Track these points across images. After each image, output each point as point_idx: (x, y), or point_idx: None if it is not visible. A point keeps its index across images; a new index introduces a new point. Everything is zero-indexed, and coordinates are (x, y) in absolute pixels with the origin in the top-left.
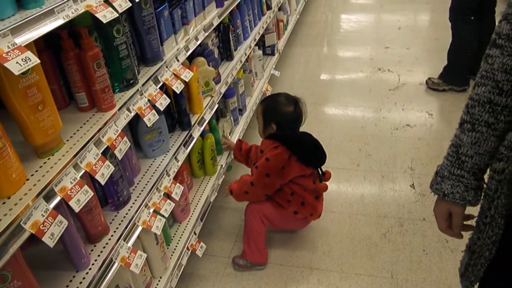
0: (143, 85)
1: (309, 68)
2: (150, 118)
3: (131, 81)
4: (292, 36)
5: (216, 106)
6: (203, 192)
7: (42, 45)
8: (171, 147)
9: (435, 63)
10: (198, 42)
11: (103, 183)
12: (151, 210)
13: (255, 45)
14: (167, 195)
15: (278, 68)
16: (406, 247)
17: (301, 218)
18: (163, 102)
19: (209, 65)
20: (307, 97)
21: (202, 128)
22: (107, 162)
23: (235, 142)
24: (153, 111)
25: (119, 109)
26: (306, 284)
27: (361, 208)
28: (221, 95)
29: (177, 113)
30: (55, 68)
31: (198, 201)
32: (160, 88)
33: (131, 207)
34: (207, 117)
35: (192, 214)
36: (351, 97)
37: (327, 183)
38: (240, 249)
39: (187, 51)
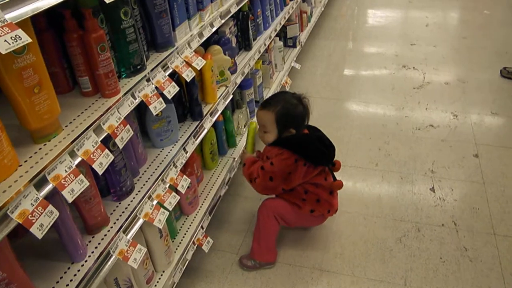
0: (151, 71)
1: (332, 62)
2: (156, 106)
3: (139, 67)
4: (315, 29)
5: (231, 96)
6: (213, 185)
7: (44, 24)
8: (180, 137)
9: (462, 62)
10: (214, 29)
11: (100, 172)
12: (155, 202)
13: (276, 35)
14: (173, 188)
15: (299, 61)
16: (422, 254)
17: (318, 216)
18: (171, 90)
19: (225, 54)
20: (328, 91)
21: (214, 119)
22: (106, 151)
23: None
24: (160, 99)
25: (123, 95)
26: (315, 286)
27: (377, 210)
28: (237, 86)
29: (189, 102)
30: (58, 49)
31: (208, 194)
32: (171, 75)
33: (134, 198)
34: (220, 108)
35: (201, 207)
36: (373, 93)
37: (342, 180)
38: (249, 246)
39: (201, 38)
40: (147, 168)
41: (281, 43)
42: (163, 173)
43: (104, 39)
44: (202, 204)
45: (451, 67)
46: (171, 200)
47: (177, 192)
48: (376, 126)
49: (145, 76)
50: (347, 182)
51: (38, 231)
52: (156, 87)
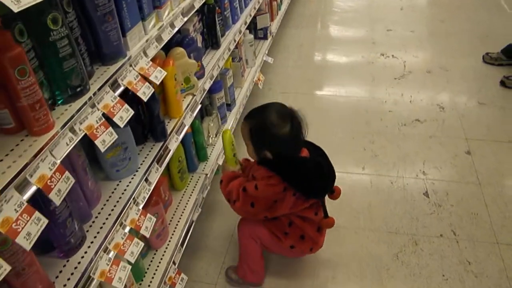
0: (97, 92)
1: (305, 52)
2: (105, 140)
3: (79, 89)
4: (285, 17)
5: (199, 106)
6: (184, 209)
7: None
8: (141, 164)
9: (442, 48)
10: (175, 30)
11: (28, 248)
12: (112, 255)
13: (246, 28)
14: (135, 232)
15: (271, 54)
16: (423, 271)
17: (297, 251)
18: (123, 115)
19: (189, 57)
20: (303, 86)
21: (181, 137)
22: (36, 214)
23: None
24: (110, 129)
25: (59, 131)
26: None
27: (368, 222)
28: (205, 92)
29: (149, 121)
30: None
31: (178, 221)
32: (122, 94)
33: (86, 252)
34: (188, 122)
35: (171, 238)
36: (352, 86)
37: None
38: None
39: (160, 43)
40: (102, 208)
41: (252, 36)
42: (121, 215)
43: (24, 59)
44: (173, 235)
45: (432, 54)
46: (133, 249)
47: (140, 235)
48: (359, 123)
49: (89, 100)
50: None
51: None
52: (103, 114)
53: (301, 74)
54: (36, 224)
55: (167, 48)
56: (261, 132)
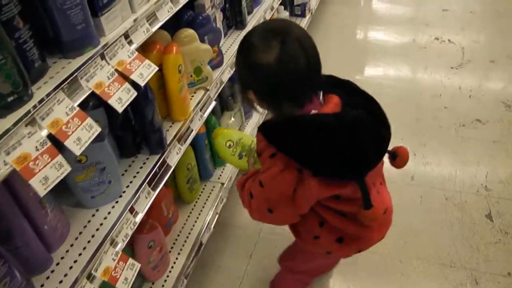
0: (41, 101)
1: (348, 33)
2: (49, 177)
3: (11, 98)
4: None
5: (213, 103)
6: (191, 229)
7: None
8: (127, 187)
9: (509, 32)
10: (179, 7)
11: None
12: None
13: (280, 4)
14: (109, 285)
15: (309, 33)
16: None
17: (339, 257)
18: (83, 135)
19: (203, 41)
20: (346, 72)
21: (184, 147)
22: None
23: None
24: (59, 158)
25: None
26: None
27: (417, 249)
28: (223, 85)
29: (140, 127)
30: None
31: (183, 245)
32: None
33: None
34: (196, 126)
35: (172, 269)
36: (401, 75)
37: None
38: None
39: (153, 25)
40: (67, 251)
41: (287, 13)
42: (91, 262)
43: None
44: (175, 263)
45: (496, 39)
46: None
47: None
48: (409, 121)
49: (32, 110)
50: None
51: None
52: (48, 136)
53: (342, 57)
54: None
55: (175, 28)
56: (240, 59)
